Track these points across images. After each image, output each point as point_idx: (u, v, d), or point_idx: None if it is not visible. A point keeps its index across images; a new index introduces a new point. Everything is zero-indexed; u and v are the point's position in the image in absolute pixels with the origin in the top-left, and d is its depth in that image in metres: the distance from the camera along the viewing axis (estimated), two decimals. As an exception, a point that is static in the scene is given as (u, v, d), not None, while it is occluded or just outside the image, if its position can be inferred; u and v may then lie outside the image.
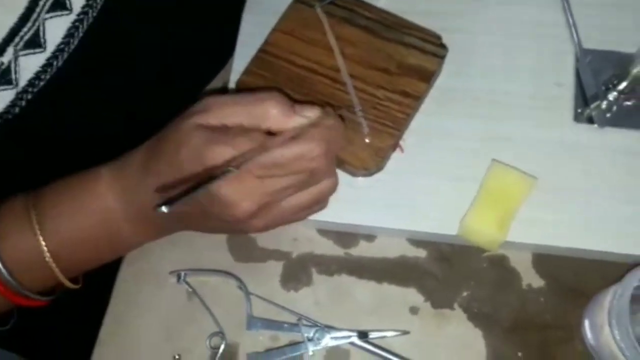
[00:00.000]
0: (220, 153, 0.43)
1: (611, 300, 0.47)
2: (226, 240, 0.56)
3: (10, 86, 0.46)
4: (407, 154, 0.55)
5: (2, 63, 0.45)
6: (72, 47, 0.47)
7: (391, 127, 0.54)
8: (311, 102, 0.48)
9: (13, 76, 0.46)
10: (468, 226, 0.51)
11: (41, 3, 0.45)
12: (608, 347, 0.47)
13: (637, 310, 0.48)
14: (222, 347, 0.52)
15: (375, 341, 0.51)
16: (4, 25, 0.44)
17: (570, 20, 0.56)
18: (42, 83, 0.47)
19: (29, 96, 0.47)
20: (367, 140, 0.53)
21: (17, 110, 0.47)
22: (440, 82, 0.57)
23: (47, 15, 0.45)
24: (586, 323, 0.50)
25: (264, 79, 0.56)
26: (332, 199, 0.52)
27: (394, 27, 0.57)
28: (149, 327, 0.53)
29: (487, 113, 0.56)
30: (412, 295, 0.53)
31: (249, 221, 0.46)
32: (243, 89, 0.56)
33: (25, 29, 0.45)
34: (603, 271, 0.51)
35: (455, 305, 0.52)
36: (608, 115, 0.55)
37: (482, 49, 0.58)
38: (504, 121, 0.56)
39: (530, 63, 0.57)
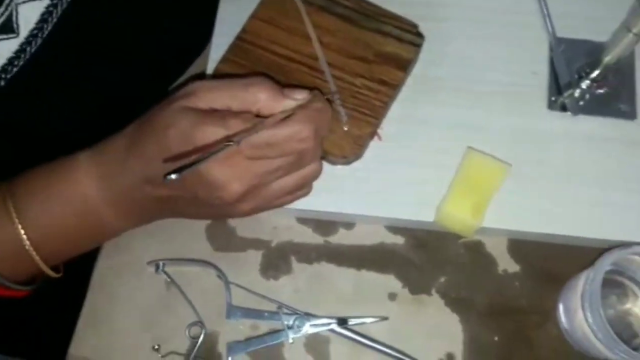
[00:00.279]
0: (212, 133, 0.41)
1: (584, 285, 0.45)
2: (205, 230, 0.53)
3: None
4: (385, 142, 0.53)
5: None
6: (46, 32, 0.45)
7: (369, 115, 0.52)
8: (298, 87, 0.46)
9: None
10: (444, 213, 0.50)
11: None
12: (581, 330, 0.46)
13: (608, 293, 0.47)
14: (202, 336, 0.50)
15: (354, 327, 0.49)
16: None
17: (544, 10, 0.54)
18: (15, 69, 0.45)
19: (2, 82, 0.45)
20: (345, 129, 0.51)
21: None
22: (417, 70, 0.55)
23: (20, 0, 0.43)
24: (560, 307, 0.49)
25: (241, 67, 0.53)
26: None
27: (372, 15, 0.55)
28: (128, 318, 0.51)
29: (463, 101, 0.54)
30: (391, 282, 0.51)
31: (236, 204, 0.44)
32: (221, 76, 0.53)
33: None
34: (576, 256, 0.50)
35: (433, 291, 0.50)
36: (581, 103, 0.54)
37: (457, 37, 0.56)
38: (479, 109, 0.54)
39: (505, 52, 0.56)
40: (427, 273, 0.51)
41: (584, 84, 0.53)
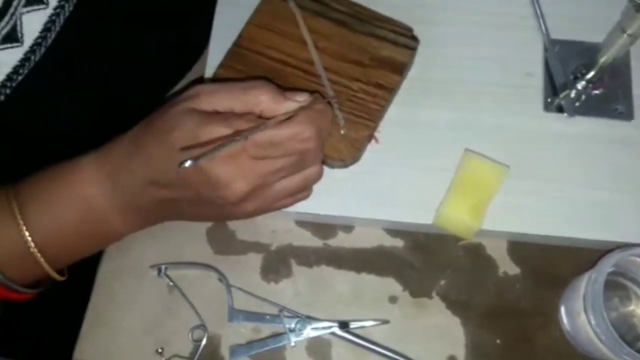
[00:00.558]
0: (217, 133, 0.39)
1: (586, 287, 0.42)
2: (206, 233, 0.50)
3: None
4: (382, 145, 0.50)
5: None
6: (49, 41, 0.43)
7: (366, 118, 0.49)
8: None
9: None
10: (443, 215, 0.46)
11: None
12: (584, 332, 0.42)
13: (611, 295, 0.44)
14: (205, 340, 0.46)
15: (356, 331, 0.46)
16: None
17: (538, 11, 0.51)
18: (20, 77, 0.42)
19: (8, 91, 0.42)
20: (342, 132, 0.48)
21: None
22: (413, 73, 0.52)
23: (24, 10, 0.41)
24: (562, 309, 0.46)
25: (239, 73, 0.50)
26: (310, 191, 0.47)
27: (367, 20, 0.52)
28: (131, 321, 0.48)
29: (459, 103, 0.51)
30: (391, 285, 0.47)
31: (239, 204, 0.42)
32: (220, 81, 0.50)
33: (2, 24, 0.40)
34: (577, 258, 0.47)
35: (433, 294, 0.47)
36: (577, 104, 0.50)
37: (453, 40, 0.53)
38: (476, 111, 0.51)
39: (500, 54, 0.52)
40: (428, 276, 0.48)
41: (580, 85, 0.50)
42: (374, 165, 0.49)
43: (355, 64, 0.50)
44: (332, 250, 0.49)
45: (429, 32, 0.52)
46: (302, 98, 0.42)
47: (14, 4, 0.40)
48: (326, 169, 0.48)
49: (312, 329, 0.46)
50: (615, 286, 0.44)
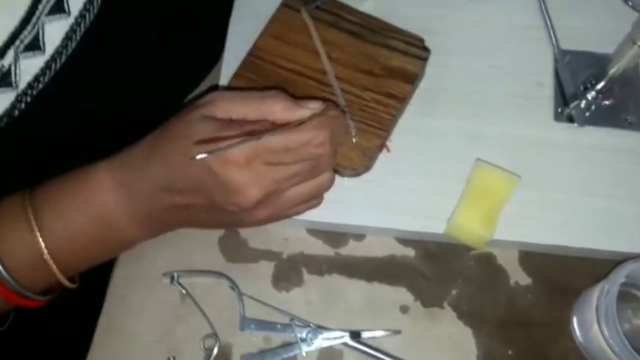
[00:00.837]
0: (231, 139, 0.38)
1: (598, 297, 0.40)
2: (218, 241, 0.48)
3: (10, 88, 0.40)
4: (394, 154, 0.48)
5: (3, 66, 0.39)
6: (70, 49, 0.42)
7: (378, 127, 0.47)
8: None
9: (13, 79, 0.40)
10: (455, 225, 0.45)
11: (41, 7, 0.39)
12: (597, 343, 0.41)
13: (624, 307, 0.42)
14: (216, 348, 0.45)
15: (367, 341, 0.44)
16: (5, 29, 0.39)
17: (548, 22, 0.50)
18: (40, 85, 0.41)
19: (28, 98, 0.41)
20: (354, 140, 0.47)
21: (16, 112, 0.41)
22: (424, 83, 0.50)
23: (47, 19, 0.40)
24: (574, 320, 0.44)
25: (253, 82, 0.49)
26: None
27: (378, 30, 0.50)
28: (143, 329, 0.46)
29: (471, 113, 0.49)
30: (402, 294, 0.46)
31: (252, 211, 0.41)
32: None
33: (25, 33, 0.39)
34: (588, 268, 0.45)
35: (445, 304, 0.45)
36: (587, 114, 0.49)
37: (464, 51, 0.51)
38: (487, 121, 0.49)
39: (511, 64, 0.51)
40: (439, 285, 0.46)
41: (590, 95, 0.48)
42: (385, 174, 0.47)
43: (367, 73, 0.49)
44: (344, 259, 0.47)
45: (440, 43, 0.50)
46: (315, 105, 0.41)
47: (37, 13, 0.39)
48: (338, 178, 0.46)
49: (324, 338, 0.44)
50: (628, 297, 0.42)
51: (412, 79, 0.49)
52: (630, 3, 0.46)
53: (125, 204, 0.42)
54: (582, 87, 0.49)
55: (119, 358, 0.46)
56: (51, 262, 0.41)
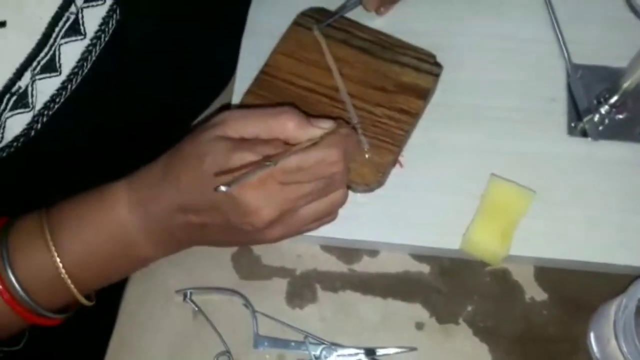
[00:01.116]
0: (245, 159, 0.39)
1: (616, 312, 0.41)
2: (231, 259, 0.49)
3: (27, 109, 0.41)
4: (406, 170, 0.49)
5: (20, 87, 0.40)
6: (86, 70, 0.43)
7: (390, 143, 0.48)
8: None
9: (30, 100, 0.41)
10: (471, 241, 0.45)
11: (57, 29, 0.40)
12: (615, 359, 0.41)
13: (642, 322, 0.42)
14: (230, 366, 0.45)
15: (382, 358, 0.45)
16: (22, 51, 0.40)
17: (560, 37, 0.51)
18: (56, 105, 0.43)
19: (44, 119, 0.43)
20: (367, 156, 0.47)
21: (32, 133, 0.42)
22: (436, 98, 0.51)
23: (63, 41, 0.41)
24: (591, 336, 0.44)
25: (265, 99, 0.50)
26: (335, 215, 0.45)
27: (390, 47, 0.51)
28: (156, 347, 0.46)
29: (483, 128, 0.50)
30: (417, 311, 0.46)
31: (265, 230, 0.41)
32: (246, 107, 0.50)
33: (42, 54, 0.40)
34: (604, 283, 0.45)
35: (460, 320, 0.46)
36: (601, 128, 0.49)
37: (475, 66, 0.52)
38: (500, 136, 0.50)
39: (524, 79, 0.52)
40: (454, 302, 0.46)
41: (603, 110, 0.49)
42: (398, 190, 0.48)
43: (379, 90, 0.50)
44: (358, 275, 0.48)
45: (452, 58, 0.51)
46: (327, 125, 0.42)
47: (54, 35, 0.40)
48: (351, 193, 0.47)
49: (338, 356, 0.45)
50: (646, 313, 0.43)
51: (425, 94, 0.50)
52: (642, 17, 0.47)
53: (142, 222, 0.42)
54: (595, 102, 0.50)
55: (132, 376, 0.46)
56: (68, 280, 0.42)
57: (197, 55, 0.53)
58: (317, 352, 0.45)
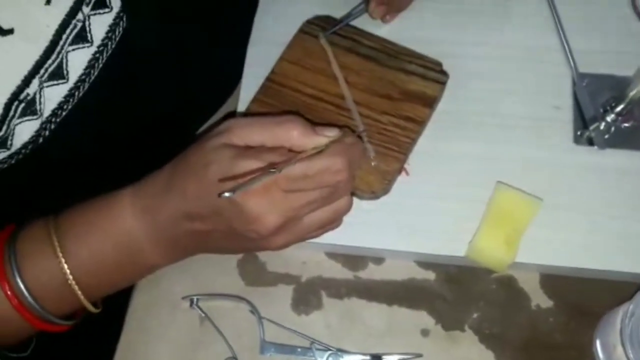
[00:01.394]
0: (250, 166, 0.40)
1: (622, 320, 0.41)
2: (236, 265, 0.50)
3: (35, 116, 0.42)
4: (412, 177, 0.50)
5: (28, 94, 0.41)
6: (93, 76, 0.44)
7: (396, 151, 0.49)
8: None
9: (38, 107, 0.42)
10: (477, 248, 0.46)
11: (64, 37, 0.41)
12: (622, 367, 0.41)
13: (648, 329, 0.43)
14: (236, 373, 0.46)
15: (388, 365, 0.46)
16: (30, 59, 0.41)
17: (566, 45, 0.52)
18: (64, 112, 0.44)
19: (52, 125, 0.43)
20: (373, 164, 0.48)
21: (40, 140, 0.43)
22: (442, 106, 0.52)
23: (70, 48, 0.42)
24: (597, 343, 0.44)
25: (271, 107, 0.51)
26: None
27: (396, 55, 0.52)
28: (163, 353, 0.47)
29: (489, 136, 0.51)
30: (423, 318, 0.47)
31: (269, 237, 0.42)
32: (252, 115, 0.51)
33: (49, 62, 0.41)
34: (610, 290, 0.46)
35: (466, 327, 0.46)
36: (607, 136, 0.50)
37: (482, 74, 0.53)
38: (506, 144, 0.51)
39: (530, 87, 0.52)
40: (460, 309, 0.47)
41: (609, 118, 0.50)
42: (404, 197, 0.49)
43: (385, 98, 0.51)
44: (363, 282, 0.48)
45: (458, 66, 0.52)
46: (332, 133, 0.42)
47: (61, 42, 0.41)
48: (356, 201, 0.47)
49: (344, 362, 0.46)
50: (652, 320, 0.43)
51: (431, 102, 0.51)
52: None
53: (148, 230, 0.43)
54: (601, 110, 0.50)
55: (139, 383, 0.47)
56: (76, 287, 0.43)
57: (203, 62, 0.54)
58: (324, 359, 0.46)
